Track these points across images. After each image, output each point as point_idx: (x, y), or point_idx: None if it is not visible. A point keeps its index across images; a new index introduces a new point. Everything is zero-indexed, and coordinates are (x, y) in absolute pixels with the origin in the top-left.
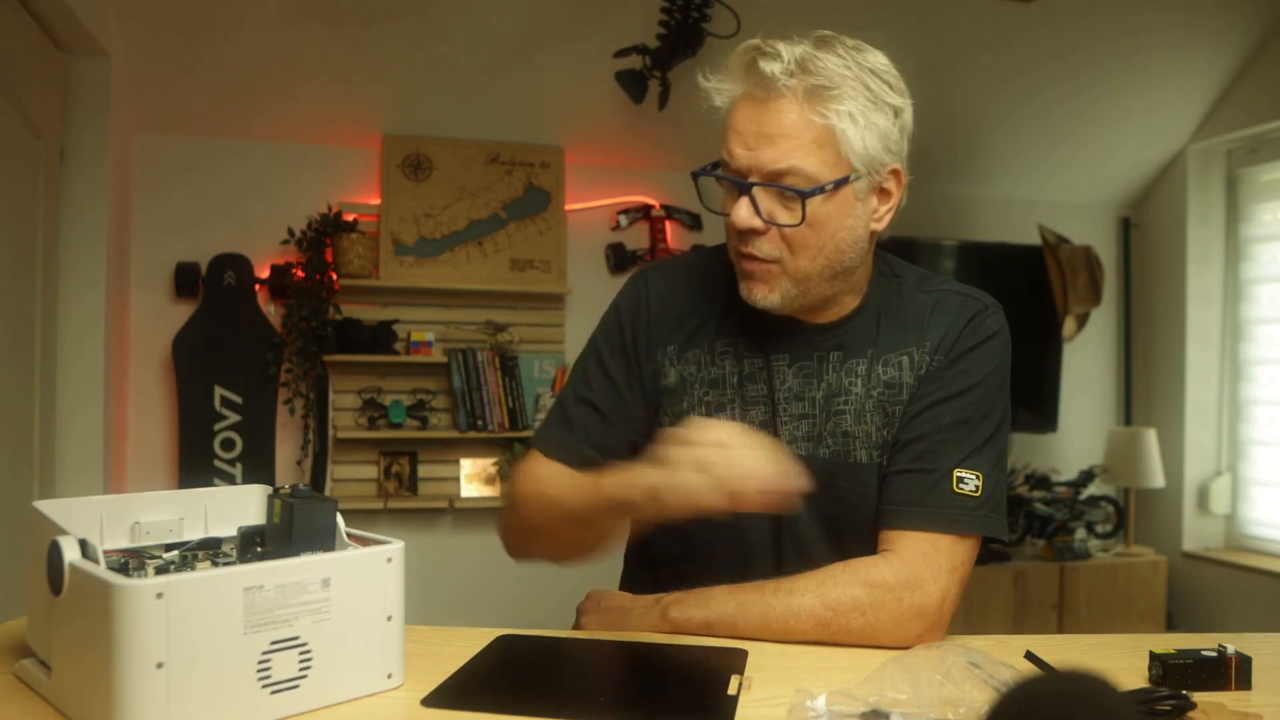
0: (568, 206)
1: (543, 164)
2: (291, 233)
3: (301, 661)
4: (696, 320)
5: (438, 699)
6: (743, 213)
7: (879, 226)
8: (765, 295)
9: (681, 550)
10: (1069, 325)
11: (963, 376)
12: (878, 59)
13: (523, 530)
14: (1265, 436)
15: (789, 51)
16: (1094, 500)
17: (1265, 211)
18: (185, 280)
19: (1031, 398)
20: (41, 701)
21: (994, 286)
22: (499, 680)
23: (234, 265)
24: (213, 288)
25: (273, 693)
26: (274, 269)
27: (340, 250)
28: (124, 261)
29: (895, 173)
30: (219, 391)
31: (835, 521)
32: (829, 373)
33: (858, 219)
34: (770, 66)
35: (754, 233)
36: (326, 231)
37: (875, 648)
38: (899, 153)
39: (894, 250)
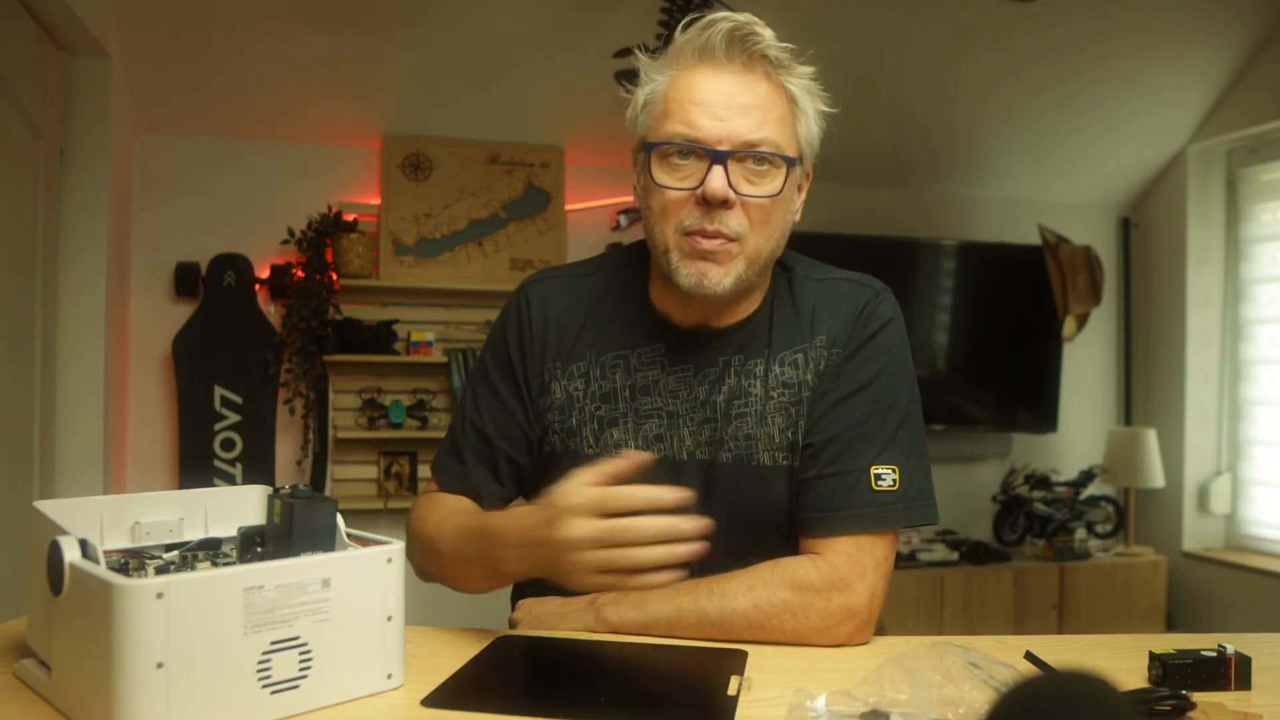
0: (568, 206)
1: (543, 164)
2: (291, 233)
3: (301, 662)
4: (581, 332)
5: (438, 699)
6: (717, 183)
7: (796, 219)
8: (720, 279)
9: None
10: (1069, 325)
11: (863, 369)
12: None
13: (421, 561)
14: (1265, 436)
15: (752, 25)
16: (1094, 500)
17: (1265, 211)
18: (185, 280)
19: (1031, 398)
20: (41, 701)
21: (994, 286)
22: (499, 680)
23: (234, 265)
24: (213, 288)
25: (273, 693)
26: (274, 269)
27: (340, 250)
28: (124, 261)
29: (808, 172)
30: (219, 391)
31: (740, 525)
32: (730, 376)
33: (793, 205)
34: (743, 35)
35: (725, 206)
36: (326, 231)
37: (810, 645)
38: (817, 150)
39: (896, 250)
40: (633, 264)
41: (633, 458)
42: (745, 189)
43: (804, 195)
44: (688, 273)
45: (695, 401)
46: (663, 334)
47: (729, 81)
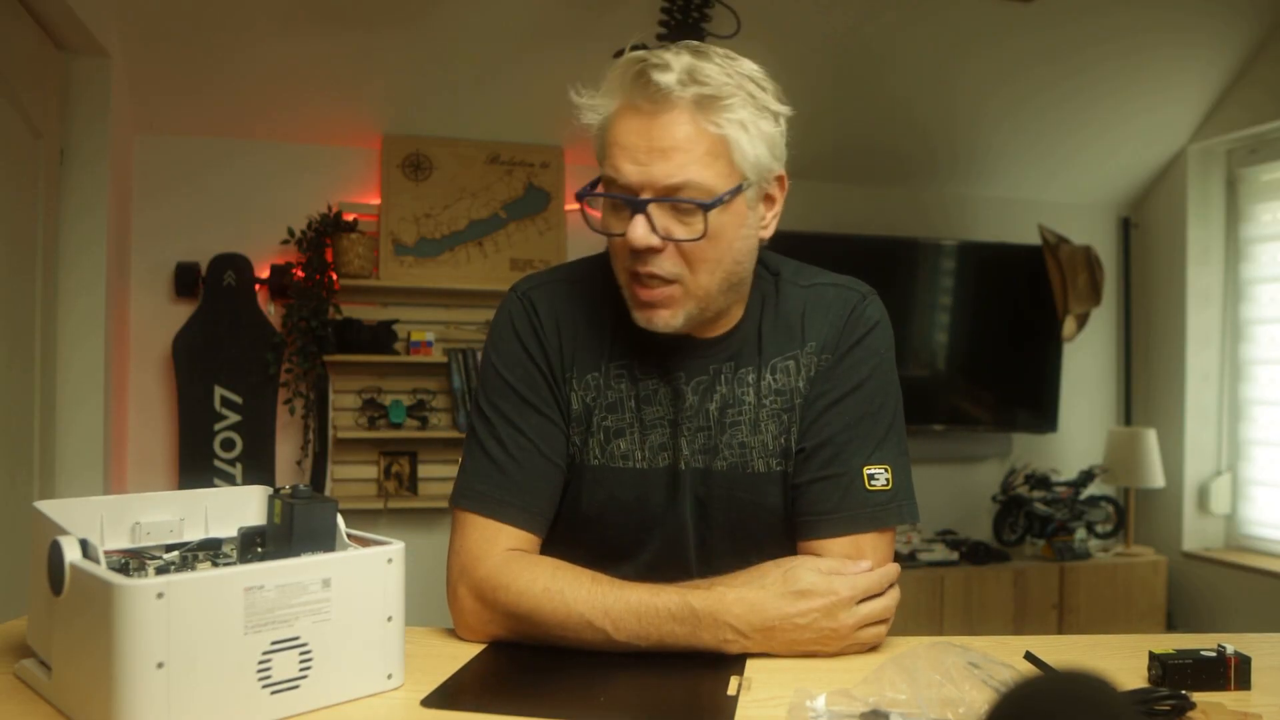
0: (568, 206)
1: (543, 164)
2: (291, 233)
3: (302, 662)
4: (588, 340)
5: (437, 700)
6: (640, 231)
7: (766, 234)
8: (668, 320)
9: (589, 565)
10: (1069, 325)
11: (853, 372)
12: (752, 67)
13: (510, 627)
14: (1265, 436)
15: (677, 61)
16: (1094, 500)
17: (1265, 211)
18: (185, 280)
19: (1031, 398)
20: (41, 701)
21: (994, 286)
22: (498, 681)
23: (234, 265)
24: (213, 288)
25: (273, 693)
26: (274, 269)
27: (340, 250)
28: (124, 261)
29: (780, 179)
30: (219, 391)
31: (737, 532)
32: (722, 384)
33: (750, 228)
34: (661, 77)
35: (652, 251)
36: (326, 231)
37: None
38: (782, 158)
39: (896, 250)
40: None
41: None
42: (676, 232)
43: (778, 207)
44: (638, 315)
45: (691, 410)
46: (656, 344)
47: (647, 125)
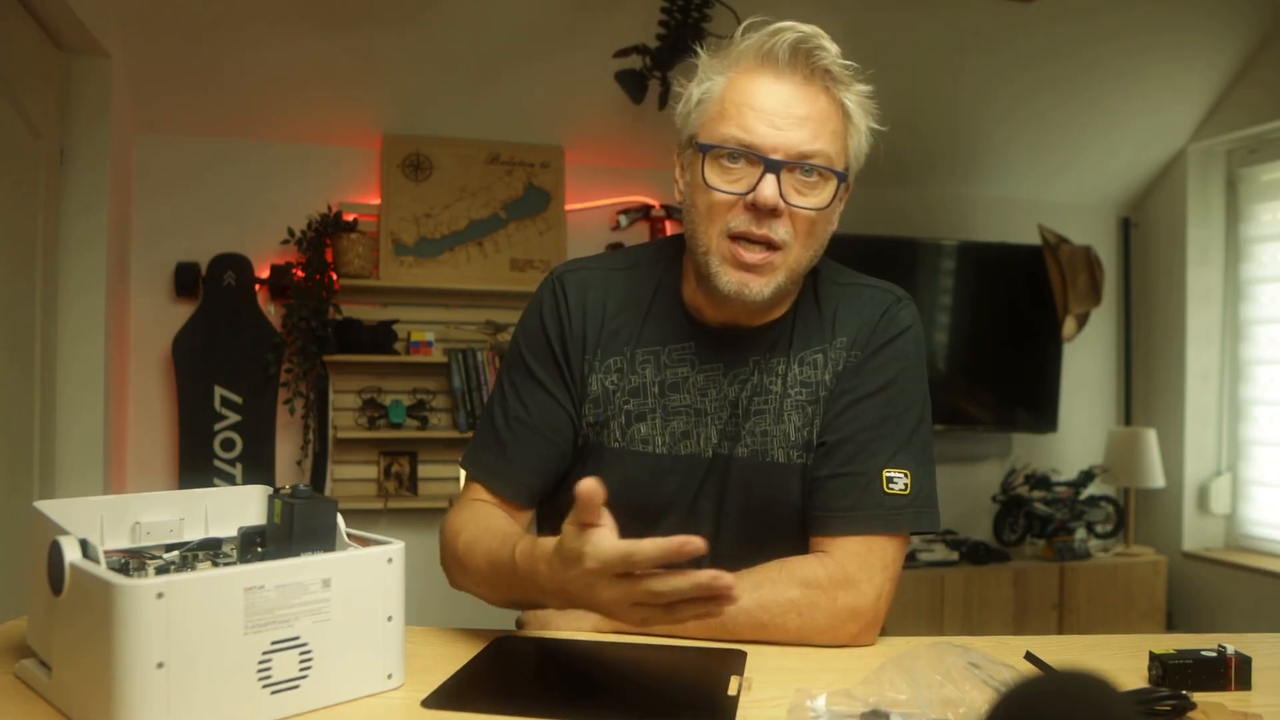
0: (568, 206)
1: (543, 164)
2: (291, 233)
3: (302, 662)
4: (617, 325)
5: (437, 700)
6: (769, 191)
7: (833, 229)
8: (761, 289)
9: None
10: (1069, 325)
11: (880, 372)
12: None
13: (455, 575)
14: (1265, 436)
15: (818, 38)
16: (1094, 500)
17: (1265, 211)
18: (185, 280)
19: (1031, 398)
20: (41, 701)
21: (994, 286)
22: (499, 681)
23: (234, 265)
24: (213, 288)
25: (273, 693)
26: (274, 269)
27: (340, 250)
28: (124, 261)
29: (849, 185)
30: (219, 391)
31: (752, 520)
32: (754, 373)
33: (835, 218)
34: (808, 48)
35: (773, 215)
36: (326, 231)
37: (813, 646)
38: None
39: (896, 250)
40: (666, 259)
41: (682, 545)
42: (794, 199)
43: (842, 207)
44: (728, 280)
45: (724, 400)
46: (694, 332)
47: (789, 91)
